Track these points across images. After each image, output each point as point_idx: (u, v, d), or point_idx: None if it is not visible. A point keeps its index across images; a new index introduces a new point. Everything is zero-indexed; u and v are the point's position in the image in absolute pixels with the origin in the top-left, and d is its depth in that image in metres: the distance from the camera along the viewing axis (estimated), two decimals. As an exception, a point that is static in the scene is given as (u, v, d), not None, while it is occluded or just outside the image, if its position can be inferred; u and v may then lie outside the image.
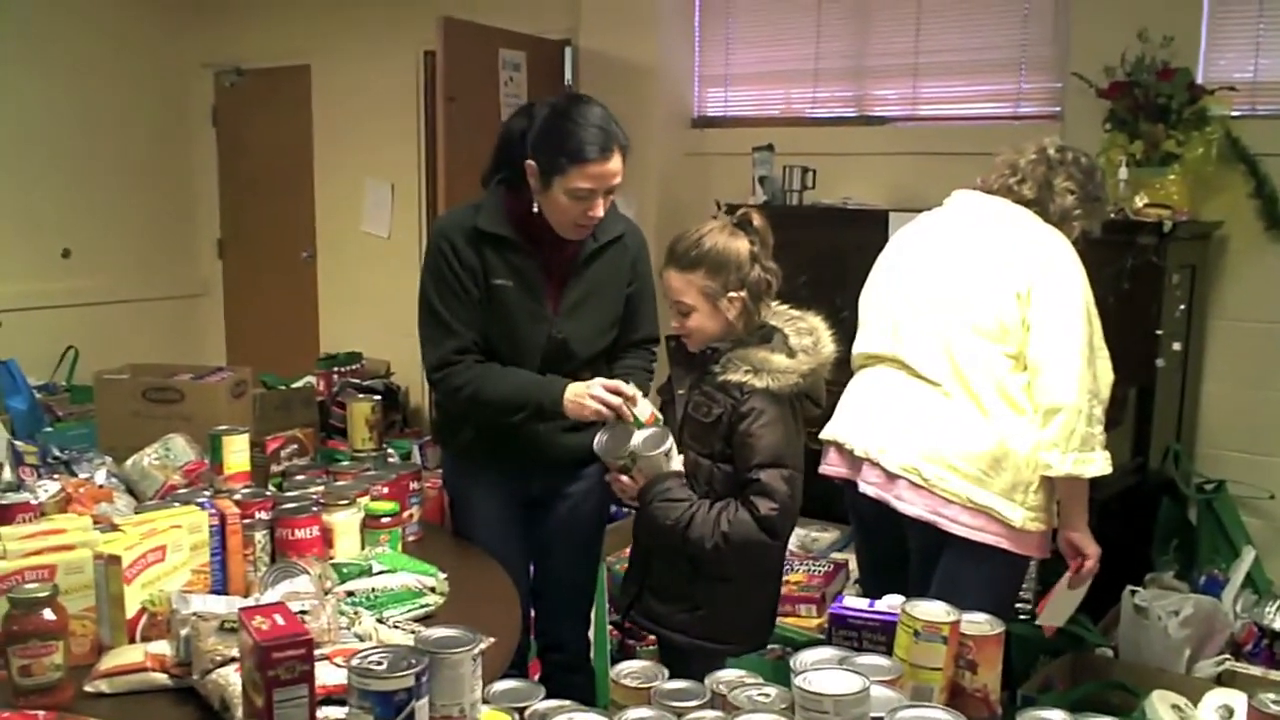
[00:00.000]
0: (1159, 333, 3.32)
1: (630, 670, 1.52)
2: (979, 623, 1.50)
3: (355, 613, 1.94)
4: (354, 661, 1.29)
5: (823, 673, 1.26)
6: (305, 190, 6.21)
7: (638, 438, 2.17)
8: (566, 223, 2.30)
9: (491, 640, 1.50)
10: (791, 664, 1.43)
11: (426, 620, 1.99)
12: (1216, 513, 3.51)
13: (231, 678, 1.61)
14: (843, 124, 4.42)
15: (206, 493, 2.24)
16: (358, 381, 5.82)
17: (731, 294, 2.17)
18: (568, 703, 1.44)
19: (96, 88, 6.03)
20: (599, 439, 2.23)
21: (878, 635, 1.54)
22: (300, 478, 2.41)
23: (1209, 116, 3.47)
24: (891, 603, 1.56)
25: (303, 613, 1.77)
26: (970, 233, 2.48)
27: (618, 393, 2.21)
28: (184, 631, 1.75)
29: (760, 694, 1.43)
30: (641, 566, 2.33)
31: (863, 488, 2.42)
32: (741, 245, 2.18)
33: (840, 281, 3.18)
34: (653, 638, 3.04)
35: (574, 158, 2.20)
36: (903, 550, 2.50)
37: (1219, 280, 3.63)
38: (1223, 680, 2.92)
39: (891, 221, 3.91)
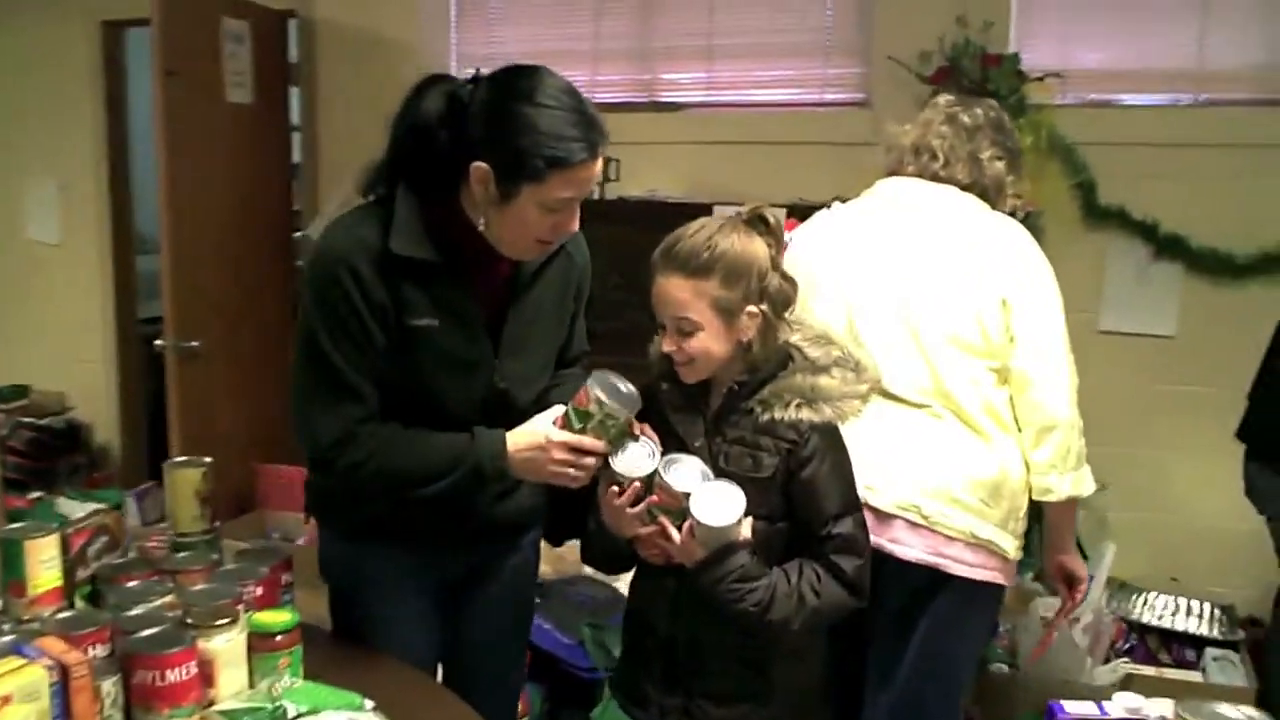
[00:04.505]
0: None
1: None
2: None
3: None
4: None
5: None
6: (-64, 190, 5.02)
7: (704, 503, 1.64)
8: (525, 241, 1.74)
9: None
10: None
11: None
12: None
13: None
14: (632, 110, 4.03)
15: (5, 628, 1.53)
16: (31, 420, 4.79)
17: (750, 308, 1.70)
18: None
19: None
20: (621, 459, 1.70)
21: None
22: (132, 585, 1.72)
23: (1027, 105, 3.43)
24: (1128, 705, 1.22)
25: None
26: (928, 232, 2.17)
27: (582, 449, 1.72)
28: None
29: None
30: (686, 668, 1.79)
31: (847, 535, 2.05)
32: (759, 248, 1.71)
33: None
34: None
35: (557, 161, 1.63)
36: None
37: (1040, 270, 3.60)
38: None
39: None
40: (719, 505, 1.63)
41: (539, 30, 4.14)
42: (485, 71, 1.73)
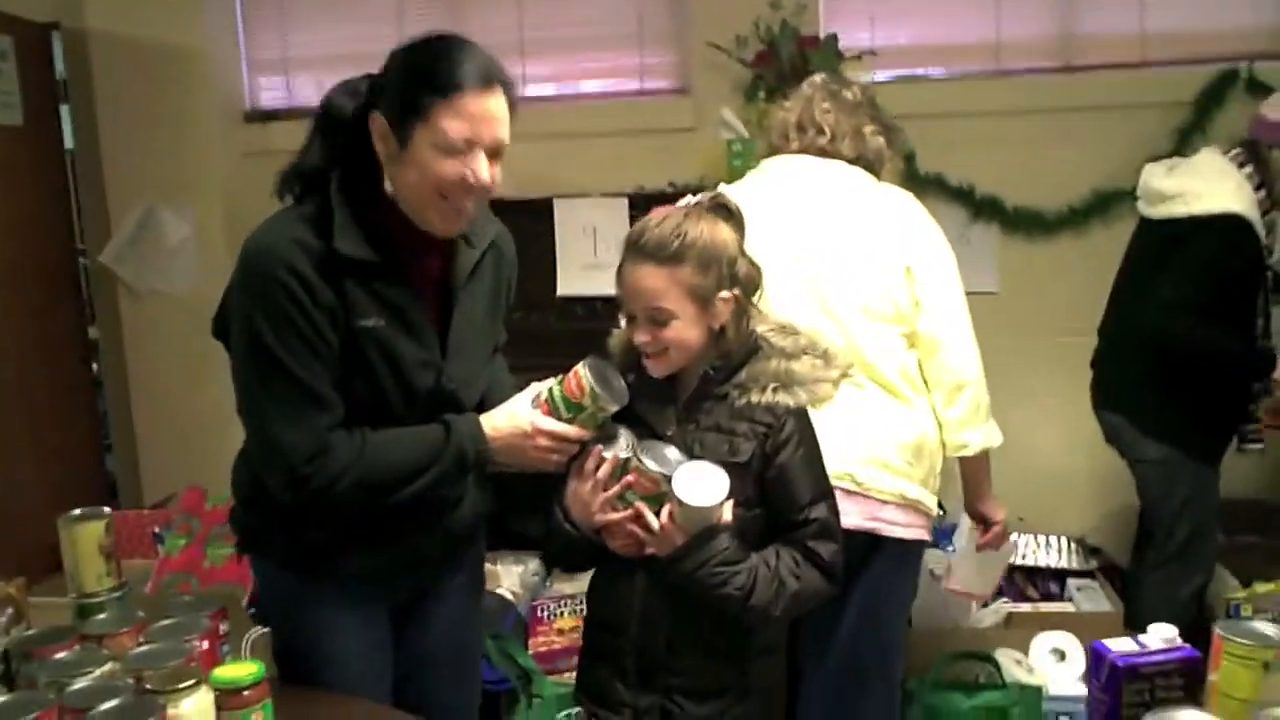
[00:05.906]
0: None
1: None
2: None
3: None
4: None
5: None
6: None
7: (687, 483, 1.58)
8: (431, 199, 1.61)
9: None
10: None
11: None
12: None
13: None
14: (449, 109, 3.92)
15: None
16: None
17: (723, 293, 1.68)
18: None
19: None
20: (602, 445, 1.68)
21: (1173, 679, 1.24)
22: (60, 657, 1.54)
23: (845, 82, 3.55)
24: (1165, 635, 1.27)
25: None
26: (826, 206, 2.20)
27: (561, 437, 1.68)
28: None
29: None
30: (662, 665, 1.72)
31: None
32: (727, 233, 1.70)
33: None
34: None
35: (443, 89, 1.55)
36: None
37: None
38: (1008, 623, 3.00)
39: (557, 209, 3.58)
40: (702, 485, 1.60)
41: (338, 32, 3.95)
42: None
